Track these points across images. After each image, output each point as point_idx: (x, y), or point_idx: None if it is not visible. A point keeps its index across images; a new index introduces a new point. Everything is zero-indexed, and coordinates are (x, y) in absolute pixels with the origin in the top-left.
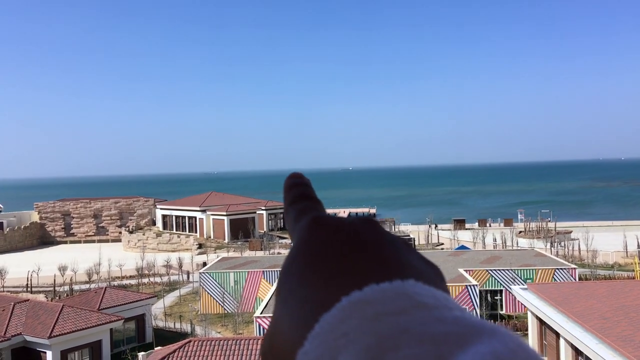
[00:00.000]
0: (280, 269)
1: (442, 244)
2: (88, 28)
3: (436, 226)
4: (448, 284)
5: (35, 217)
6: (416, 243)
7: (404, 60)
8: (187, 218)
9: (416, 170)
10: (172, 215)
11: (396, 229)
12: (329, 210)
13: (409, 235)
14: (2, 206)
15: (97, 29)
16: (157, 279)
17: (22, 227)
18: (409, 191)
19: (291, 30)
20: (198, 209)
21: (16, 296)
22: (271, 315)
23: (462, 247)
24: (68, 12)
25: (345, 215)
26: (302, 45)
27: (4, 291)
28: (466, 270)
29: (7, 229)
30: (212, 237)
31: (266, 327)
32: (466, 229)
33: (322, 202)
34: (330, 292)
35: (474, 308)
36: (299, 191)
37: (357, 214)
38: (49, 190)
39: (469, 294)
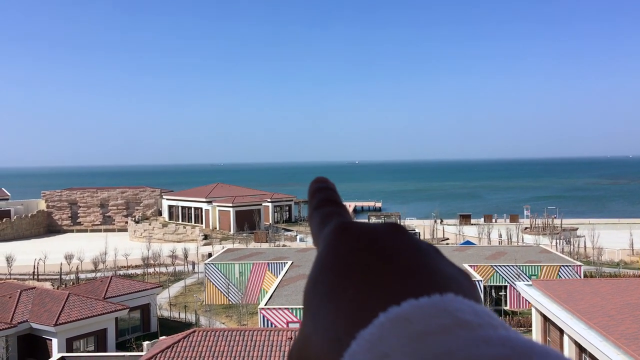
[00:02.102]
0: (307, 280)
1: (448, 239)
2: (100, 22)
3: (442, 221)
4: None
5: (42, 205)
6: (421, 237)
7: (413, 56)
8: (193, 209)
9: (423, 164)
10: (178, 206)
11: (401, 223)
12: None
13: (414, 230)
14: (9, 194)
15: (110, 23)
16: (163, 269)
17: (30, 215)
18: (415, 185)
19: (298, 27)
20: (204, 200)
21: (23, 284)
22: (299, 329)
23: (468, 243)
24: (81, 8)
25: (350, 209)
26: (311, 41)
27: (10, 278)
28: (471, 266)
29: (15, 217)
30: (217, 228)
31: (270, 319)
32: (472, 225)
33: (347, 207)
34: (364, 306)
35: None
36: (324, 195)
37: (362, 207)
38: (56, 179)
39: None
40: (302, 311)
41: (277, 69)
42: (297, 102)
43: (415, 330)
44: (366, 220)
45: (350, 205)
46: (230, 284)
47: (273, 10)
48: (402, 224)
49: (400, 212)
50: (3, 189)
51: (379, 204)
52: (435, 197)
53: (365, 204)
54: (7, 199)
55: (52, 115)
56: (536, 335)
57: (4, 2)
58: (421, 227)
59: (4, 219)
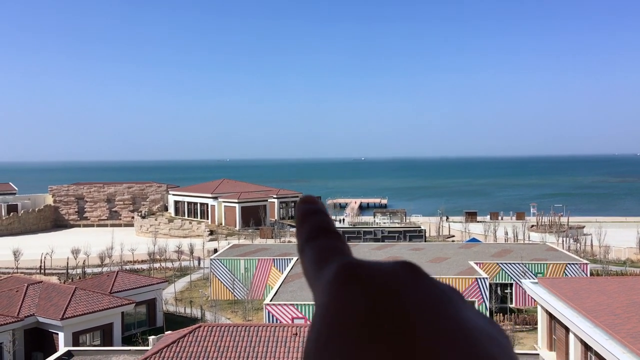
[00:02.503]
0: (306, 345)
1: (453, 236)
2: (106, 15)
3: (447, 218)
4: (458, 276)
5: (49, 200)
6: (427, 234)
7: (420, 52)
8: (199, 204)
9: (429, 162)
10: (184, 202)
11: (407, 220)
12: (340, 201)
13: (420, 227)
14: (17, 189)
15: (118, 16)
16: (169, 264)
17: (37, 209)
18: (421, 182)
19: (302, 21)
20: (210, 195)
21: (30, 278)
22: None
23: (473, 240)
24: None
25: (356, 205)
26: (317, 37)
27: (18, 272)
28: (477, 263)
29: (22, 212)
30: (223, 224)
31: (275, 315)
32: (478, 222)
33: (343, 235)
34: None
35: (484, 301)
36: (316, 223)
37: (368, 204)
38: (63, 174)
39: (479, 287)
40: None
41: (282, 65)
42: (303, 99)
43: None
44: (375, 259)
45: (356, 202)
46: (236, 279)
47: (286, 6)
48: (407, 220)
49: (406, 209)
50: (10, 183)
51: (384, 201)
52: (441, 194)
53: (371, 200)
54: (15, 194)
55: (59, 110)
56: (541, 333)
57: None
58: (427, 224)
59: (12, 214)
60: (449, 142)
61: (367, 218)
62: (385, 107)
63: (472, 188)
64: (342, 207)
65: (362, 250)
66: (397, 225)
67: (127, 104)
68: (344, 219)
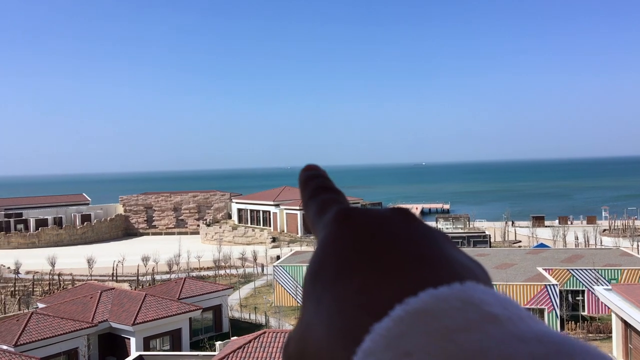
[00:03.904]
0: (307, 267)
1: (520, 241)
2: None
3: (513, 223)
4: (526, 283)
5: (120, 209)
6: (492, 240)
7: (481, 54)
8: (261, 212)
9: (492, 165)
10: (247, 209)
11: (471, 225)
12: (402, 206)
13: (484, 232)
14: (90, 199)
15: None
16: (233, 271)
17: (109, 219)
18: (485, 187)
19: (365, 26)
20: (272, 203)
21: (103, 285)
22: (298, 317)
23: (541, 245)
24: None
25: (417, 211)
26: (374, 40)
27: (92, 279)
28: (545, 269)
29: (95, 221)
30: (285, 231)
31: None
32: (545, 227)
33: (343, 192)
34: (376, 295)
35: (554, 308)
36: (317, 183)
37: (430, 209)
38: (132, 185)
39: (549, 294)
40: (302, 297)
41: (342, 70)
42: (362, 104)
43: (440, 327)
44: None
45: (417, 208)
46: (299, 286)
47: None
48: (471, 225)
49: (469, 214)
50: (84, 194)
51: (447, 206)
52: (506, 198)
53: (433, 205)
54: (88, 204)
55: (129, 122)
56: (616, 342)
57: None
58: (492, 229)
59: (85, 223)
60: (512, 145)
61: (429, 223)
62: (443, 110)
63: (539, 191)
64: None
65: None
66: (460, 230)
67: (193, 117)
68: None
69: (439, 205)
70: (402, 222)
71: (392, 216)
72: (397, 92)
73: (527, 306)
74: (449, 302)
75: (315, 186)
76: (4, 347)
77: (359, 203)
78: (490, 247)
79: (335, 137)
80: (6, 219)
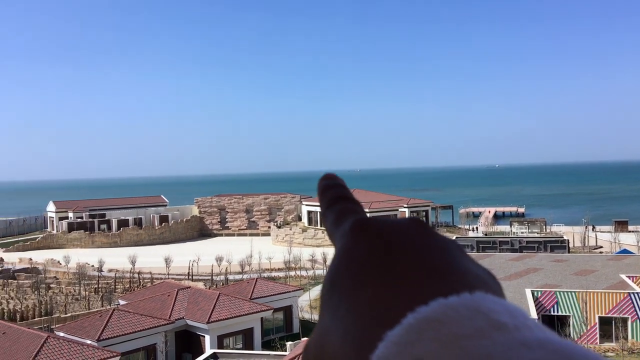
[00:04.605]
0: (325, 277)
1: (601, 247)
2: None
3: (594, 228)
4: (607, 291)
5: (195, 211)
6: (570, 245)
7: (554, 52)
8: None
9: (571, 167)
10: (317, 212)
11: (548, 230)
12: (473, 209)
13: (562, 237)
14: (167, 201)
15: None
16: (303, 272)
17: (185, 220)
18: (563, 189)
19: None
20: None
21: (179, 283)
22: (316, 324)
23: (625, 251)
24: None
25: (490, 214)
26: (444, 41)
27: (169, 278)
28: (629, 277)
29: (172, 222)
30: None
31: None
32: (629, 232)
33: (360, 203)
34: (389, 304)
35: (638, 318)
36: (335, 193)
37: (503, 213)
38: (207, 187)
39: (633, 303)
40: (319, 305)
41: (430, 70)
42: (436, 103)
43: (449, 333)
44: (391, 216)
45: (490, 211)
46: None
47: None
48: (548, 230)
49: (545, 217)
50: (162, 196)
51: (521, 210)
52: (587, 201)
53: (507, 209)
54: (165, 205)
55: (202, 126)
56: None
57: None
58: (570, 234)
59: (163, 224)
60: (596, 145)
61: (502, 227)
62: (520, 110)
63: (622, 194)
64: (476, 216)
65: (497, 261)
66: (536, 235)
67: (265, 120)
68: (477, 228)
69: (513, 209)
70: (417, 232)
71: (408, 226)
72: (473, 94)
73: (609, 315)
74: (458, 311)
75: (333, 196)
76: (88, 341)
77: (429, 206)
78: (568, 252)
79: (405, 140)
80: (91, 220)
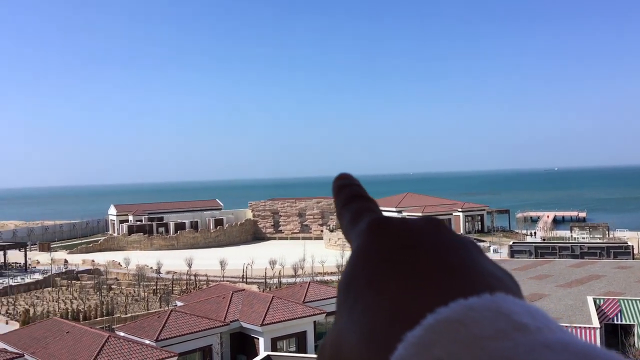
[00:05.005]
0: (342, 275)
1: None
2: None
3: None
4: None
5: (249, 214)
6: (635, 251)
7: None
8: None
9: (635, 169)
10: None
11: (610, 235)
12: (531, 214)
13: (626, 243)
14: (222, 205)
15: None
16: None
17: (239, 223)
18: (626, 193)
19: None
20: (394, 209)
21: (234, 286)
22: (333, 323)
23: None
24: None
25: (549, 219)
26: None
27: (224, 281)
28: None
29: (227, 225)
30: None
31: None
32: None
33: (375, 200)
34: (408, 304)
35: None
36: (351, 191)
37: (563, 217)
38: (261, 191)
39: None
40: (336, 305)
41: (485, 74)
42: (492, 105)
43: (470, 335)
44: (405, 217)
45: (549, 216)
46: None
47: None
48: (611, 235)
49: (608, 222)
50: (217, 200)
51: (582, 214)
52: None
53: (567, 213)
54: (220, 209)
55: (260, 133)
56: None
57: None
58: (635, 239)
59: (218, 227)
60: None
61: (562, 232)
62: (575, 110)
63: None
64: (534, 220)
65: (557, 268)
66: (598, 240)
67: (319, 124)
68: (535, 233)
69: (573, 213)
70: (434, 232)
71: (424, 226)
72: (530, 95)
73: None
74: (479, 312)
75: (349, 194)
76: (147, 341)
77: (484, 210)
78: (633, 259)
79: (460, 143)
80: (149, 223)
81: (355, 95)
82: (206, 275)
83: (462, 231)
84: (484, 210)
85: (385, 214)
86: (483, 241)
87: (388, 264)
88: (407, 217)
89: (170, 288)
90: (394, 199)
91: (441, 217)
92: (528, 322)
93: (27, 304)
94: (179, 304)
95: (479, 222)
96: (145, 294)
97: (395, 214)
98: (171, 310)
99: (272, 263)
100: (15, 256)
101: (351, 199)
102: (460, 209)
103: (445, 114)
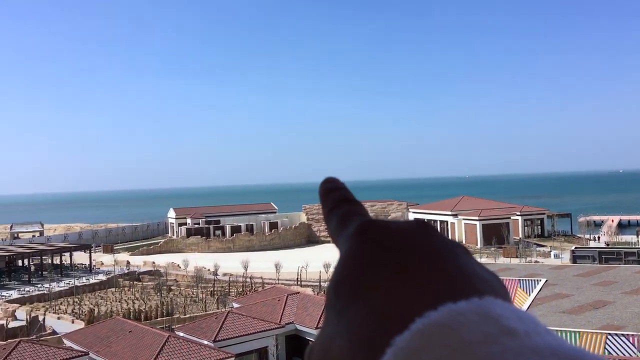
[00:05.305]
0: (330, 281)
1: None
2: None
3: None
4: None
5: (303, 218)
6: None
7: None
8: (438, 222)
9: None
10: (424, 219)
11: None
12: (594, 218)
13: None
14: (277, 208)
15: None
16: None
17: (293, 227)
18: None
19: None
20: (449, 213)
21: (289, 288)
22: (321, 328)
23: None
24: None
25: (614, 223)
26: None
27: (279, 283)
28: None
29: (281, 228)
30: (463, 242)
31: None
32: None
33: (363, 204)
34: (397, 308)
35: None
36: (338, 195)
37: (629, 221)
38: (315, 194)
39: None
40: (324, 309)
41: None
42: (553, 105)
43: (459, 339)
44: (396, 219)
45: (613, 220)
46: None
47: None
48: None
49: None
50: (271, 203)
51: None
52: None
53: (633, 217)
54: (275, 212)
55: (311, 135)
56: None
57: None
58: None
59: (273, 230)
60: None
61: (628, 237)
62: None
63: None
64: (597, 224)
65: (622, 274)
66: None
67: (375, 127)
68: (599, 238)
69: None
70: (423, 235)
71: (413, 229)
72: (595, 97)
73: None
74: (467, 316)
75: (336, 198)
76: (205, 342)
77: (544, 214)
78: None
79: (518, 145)
80: (207, 226)
81: (402, 96)
82: (261, 277)
83: (520, 235)
84: (544, 213)
85: (374, 217)
86: (543, 246)
87: (377, 268)
88: (395, 219)
89: (227, 290)
90: (449, 203)
91: (499, 222)
92: (517, 326)
93: (91, 304)
94: (235, 305)
95: (539, 226)
96: (203, 295)
97: (451, 218)
98: (228, 312)
99: (326, 266)
100: (80, 257)
101: (338, 203)
102: (518, 213)
103: (502, 116)
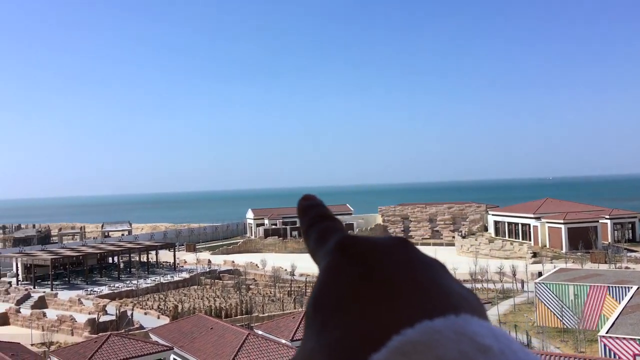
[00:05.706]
0: (310, 297)
1: None
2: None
3: None
4: None
5: (379, 219)
6: None
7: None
8: (520, 225)
9: None
10: (504, 222)
11: None
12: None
13: None
14: (352, 209)
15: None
16: (490, 285)
17: (369, 228)
18: None
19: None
20: (532, 215)
21: None
22: (301, 344)
23: None
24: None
25: None
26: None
27: None
28: None
29: (357, 230)
30: (547, 246)
31: (613, 349)
32: None
33: (340, 220)
34: (374, 326)
35: None
36: (316, 212)
37: None
38: (391, 196)
39: None
40: (304, 326)
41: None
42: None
43: (434, 357)
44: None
45: None
46: (564, 306)
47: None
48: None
49: None
50: (347, 204)
51: None
52: None
53: None
54: (351, 214)
55: (389, 136)
56: None
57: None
58: None
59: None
60: None
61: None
62: None
63: None
64: None
65: None
66: None
67: (445, 127)
68: None
69: None
70: (402, 251)
71: (392, 245)
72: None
73: None
74: (443, 334)
75: (315, 215)
76: (283, 340)
77: (636, 217)
78: None
79: (603, 143)
80: (284, 227)
81: (480, 96)
82: None
83: (610, 240)
84: (635, 217)
85: (353, 234)
86: (635, 251)
87: (355, 285)
88: (375, 235)
89: (304, 290)
90: (532, 205)
91: (586, 225)
92: (492, 344)
93: (176, 301)
94: None
95: (630, 231)
96: (281, 294)
97: (533, 221)
98: (305, 312)
99: None
100: (165, 256)
101: (317, 219)
102: (607, 216)
103: (588, 114)
